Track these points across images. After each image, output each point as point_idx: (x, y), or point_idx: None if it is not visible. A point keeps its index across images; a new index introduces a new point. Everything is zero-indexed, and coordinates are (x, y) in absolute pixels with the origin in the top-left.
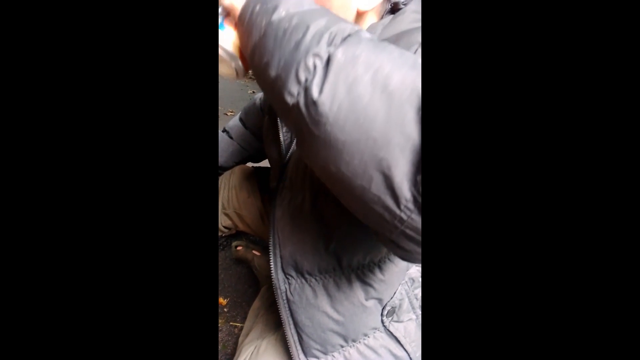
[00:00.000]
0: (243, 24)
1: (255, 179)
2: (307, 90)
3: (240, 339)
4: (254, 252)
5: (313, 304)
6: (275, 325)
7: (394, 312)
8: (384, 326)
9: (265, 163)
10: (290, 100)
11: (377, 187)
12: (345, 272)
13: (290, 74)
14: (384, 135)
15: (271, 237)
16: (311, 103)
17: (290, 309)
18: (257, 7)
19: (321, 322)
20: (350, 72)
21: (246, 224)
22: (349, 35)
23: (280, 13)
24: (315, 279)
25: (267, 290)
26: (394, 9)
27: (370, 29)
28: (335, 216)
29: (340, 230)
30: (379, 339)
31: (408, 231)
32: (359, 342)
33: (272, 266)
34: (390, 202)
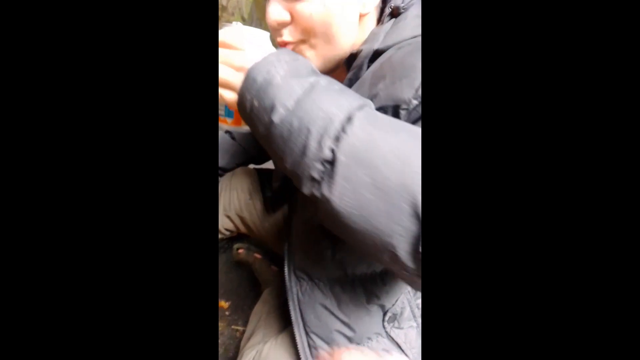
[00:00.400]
0: (244, 116)
1: (257, 180)
2: (320, 188)
3: (242, 342)
4: (255, 255)
5: (322, 304)
6: (277, 329)
7: (395, 318)
8: (386, 331)
9: (267, 165)
10: (307, 191)
11: (388, 259)
12: (349, 279)
13: (304, 174)
14: (387, 227)
15: (287, 241)
16: (325, 199)
17: (300, 310)
18: (255, 104)
19: (328, 322)
20: (352, 174)
21: (247, 226)
22: (346, 128)
23: (280, 112)
24: (323, 283)
25: (269, 293)
26: (394, 13)
27: (372, 35)
28: None
29: (346, 243)
30: (382, 343)
31: (416, 280)
32: (363, 344)
33: (285, 268)
34: (399, 269)
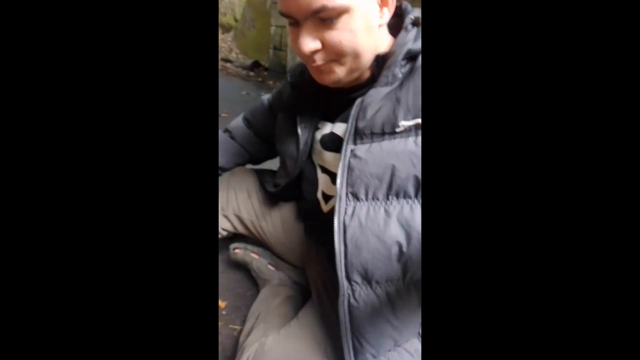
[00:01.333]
0: None
1: (256, 179)
2: None
3: (241, 339)
4: (252, 254)
5: (378, 309)
6: (278, 324)
7: None
8: (418, 332)
9: (265, 165)
10: None
11: None
12: (406, 282)
13: None
14: None
15: (336, 246)
16: None
17: (350, 314)
18: None
19: (383, 328)
20: None
21: (245, 226)
22: None
23: None
24: (380, 287)
25: (267, 292)
26: (416, 23)
27: (401, 40)
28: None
29: (413, 245)
30: (414, 344)
31: None
32: (401, 346)
33: (338, 273)
34: None
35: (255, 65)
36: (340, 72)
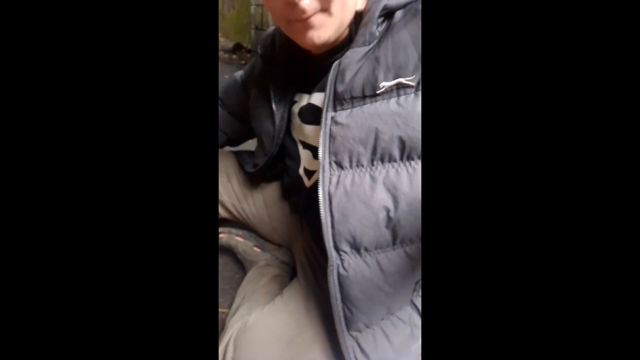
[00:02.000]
0: None
1: (235, 162)
2: None
3: (227, 319)
4: (237, 237)
5: (368, 277)
6: (263, 302)
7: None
8: (411, 300)
9: (243, 146)
10: None
11: None
12: (395, 248)
13: None
14: None
15: (322, 216)
16: None
17: (340, 284)
18: None
19: (374, 296)
20: None
21: (227, 209)
22: None
23: None
24: (370, 254)
25: (253, 273)
26: None
27: None
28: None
29: (400, 208)
30: (406, 311)
31: None
32: (394, 314)
33: (326, 243)
34: None
35: (238, 47)
36: (330, 25)
